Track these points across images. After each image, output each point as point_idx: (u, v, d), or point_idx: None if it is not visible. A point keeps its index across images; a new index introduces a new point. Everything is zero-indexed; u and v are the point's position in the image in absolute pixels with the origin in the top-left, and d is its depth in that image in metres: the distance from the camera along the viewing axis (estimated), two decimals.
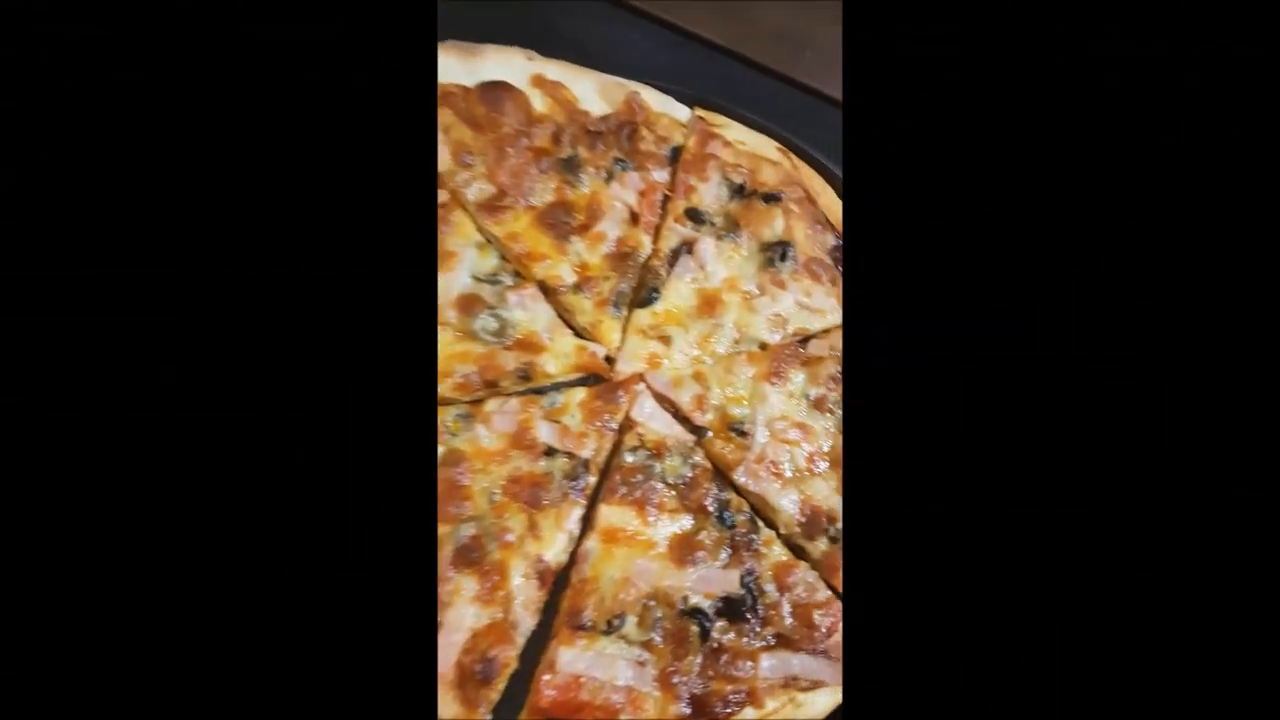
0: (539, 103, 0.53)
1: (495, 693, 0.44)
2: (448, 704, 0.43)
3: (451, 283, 0.49)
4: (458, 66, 0.51)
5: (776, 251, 0.53)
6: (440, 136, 0.50)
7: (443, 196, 0.50)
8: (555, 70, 0.54)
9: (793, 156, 0.58)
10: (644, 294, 0.52)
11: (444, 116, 0.50)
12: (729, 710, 0.44)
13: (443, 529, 0.45)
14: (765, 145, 0.58)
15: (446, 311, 0.48)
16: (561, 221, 0.52)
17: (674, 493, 0.48)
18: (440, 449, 0.46)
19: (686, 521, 0.48)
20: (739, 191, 0.54)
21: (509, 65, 0.53)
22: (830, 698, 0.44)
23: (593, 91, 0.55)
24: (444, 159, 0.50)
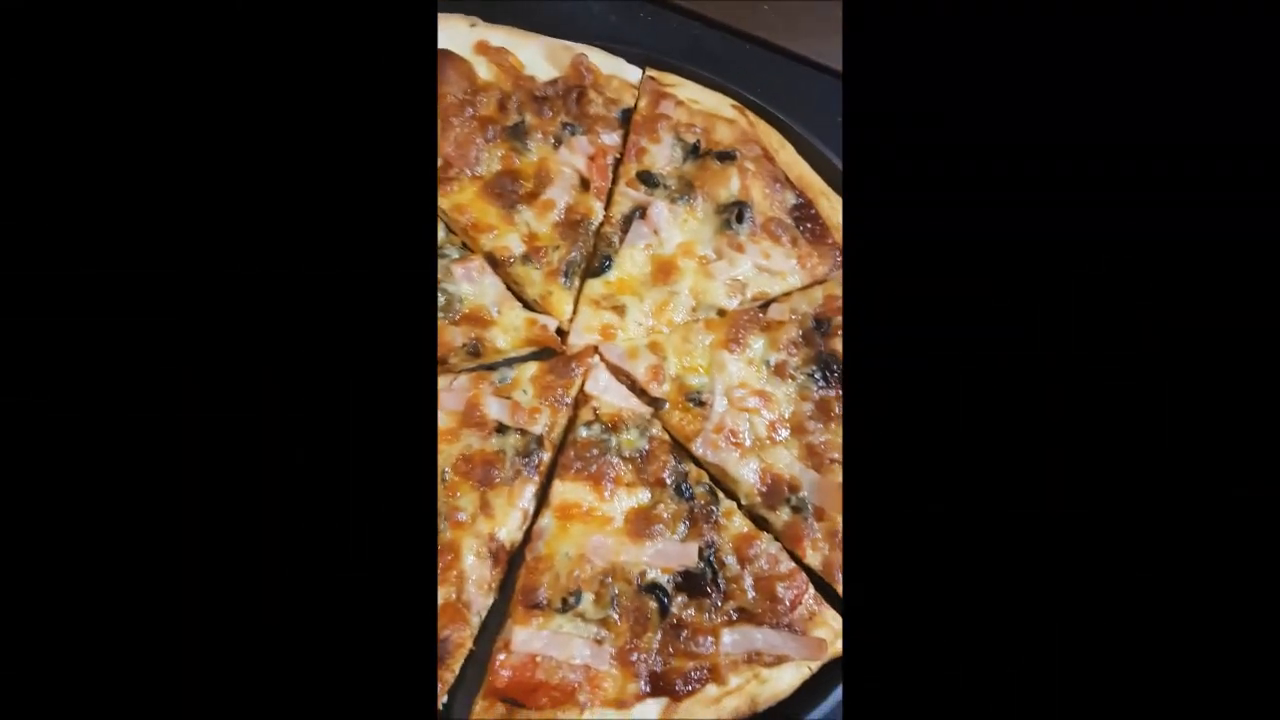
0: (484, 70, 0.51)
1: (450, 674, 0.44)
2: None
3: None
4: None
5: (733, 212, 0.51)
6: None
7: None
8: (499, 36, 0.52)
9: (749, 114, 0.55)
10: (596, 263, 0.50)
11: None
12: (690, 688, 0.42)
13: None
14: (721, 103, 0.56)
15: None
16: (509, 190, 0.50)
17: (630, 466, 0.47)
18: None
19: (644, 495, 0.47)
20: (693, 152, 0.52)
21: (452, 32, 0.51)
22: (795, 672, 0.43)
23: (539, 56, 0.53)
24: None
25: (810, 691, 0.42)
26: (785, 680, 0.42)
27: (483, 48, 0.51)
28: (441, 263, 0.48)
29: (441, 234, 0.49)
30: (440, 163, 0.50)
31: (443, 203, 0.49)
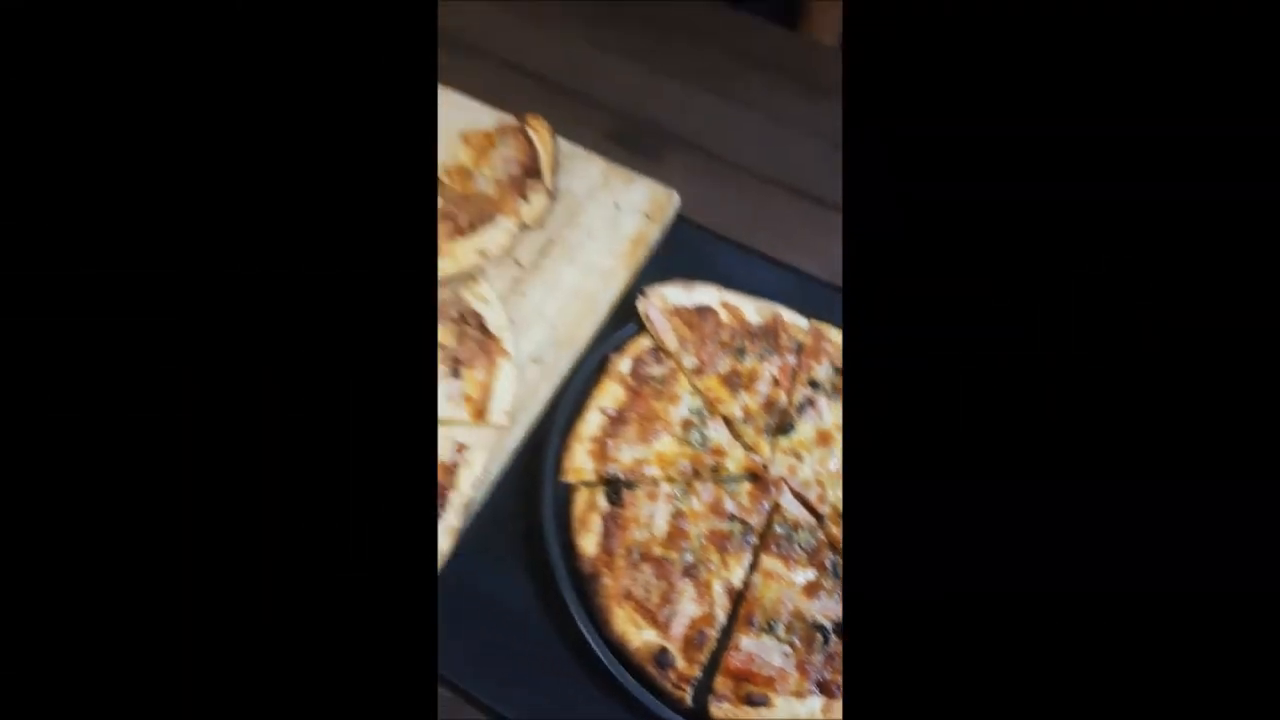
0: (724, 315, 0.89)
1: (700, 662, 0.67)
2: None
3: (675, 413, 0.81)
4: (683, 294, 0.88)
5: None
6: (674, 336, 0.85)
7: (669, 366, 0.84)
8: (732, 298, 0.90)
9: None
10: (784, 428, 0.80)
11: (676, 326, 0.86)
12: (838, 694, 0.65)
13: (671, 553, 0.74)
14: None
15: (674, 428, 0.80)
16: (734, 383, 0.85)
17: (805, 553, 0.72)
18: (674, 506, 0.76)
19: (812, 573, 0.71)
20: (838, 369, 0.88)
21: (709, 294, 0.90)
22: None
23: (753, 309, 0.90)
24: (672, 344, 0.85)
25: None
26: None
27: (724, 304, 0.89)
28: (700, 418, 0.80)
29: (700, 403, 0.83)
30: (697, 363, 0.85)
31: (700, 385, 0.82)
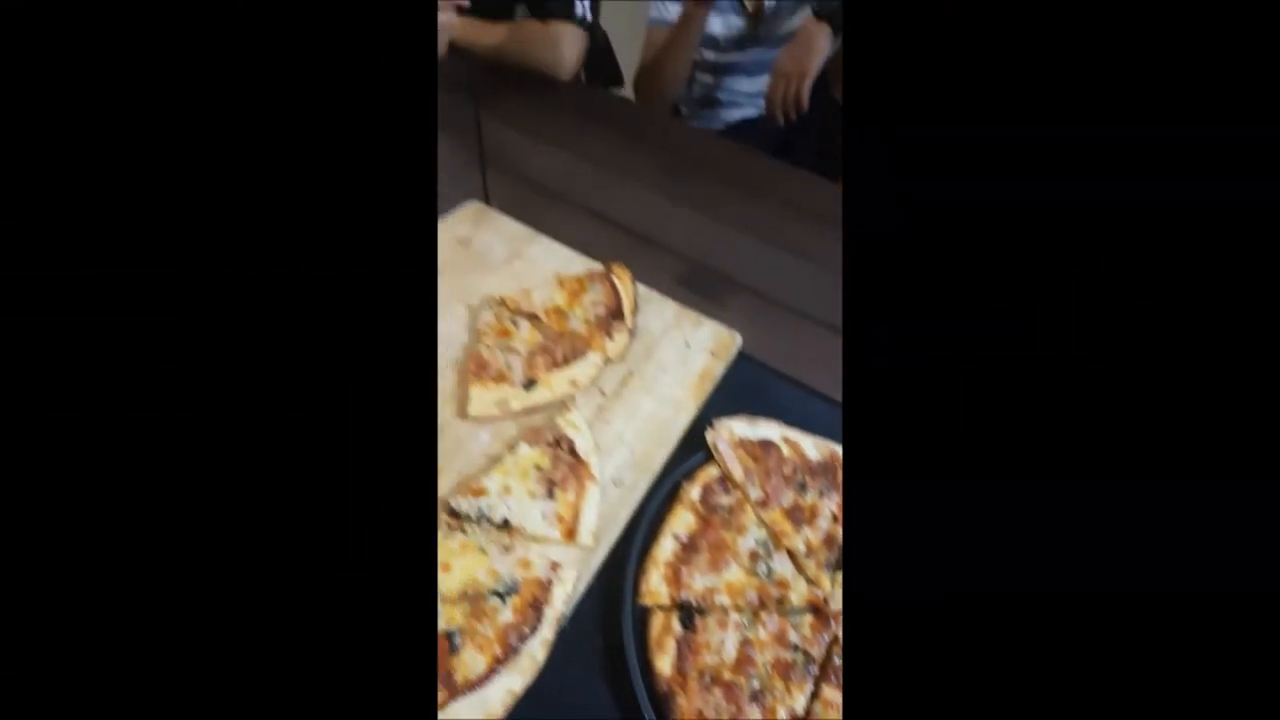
0: (785, 450, 0.98)
1: None
2: None
3: (743, 544, 0.89)
4: (748, 428, 0.98)
5: None
6: (740, 467, 0.94)
7: (736, 496, 0.93)
8: (793, 434, 1.00)
9: None
10: (843, 564, 0.90)
11: (741, 458, 0.95)
12: None
13: (739, 679, 0.79)
14: None
15: (742, 558, 0.88)
16: (798, 517, 0.93)
17: None
18: (742, 634, 0.82)
19: None
20: None
21: (772, 429, 0.99)
22: None
23: (812, 446, 0.99)
24: (739, 474, 0.94)
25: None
26: None
27: (786, 439, 0.99)
28: (766, 549, 0.89)
29: (765, 534, 0.91)
30: (762, 495, 0.94)
31: (765, 518, 0.91)
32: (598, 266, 1.14)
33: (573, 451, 0.89)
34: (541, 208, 1.28)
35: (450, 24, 1.26)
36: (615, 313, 1.06)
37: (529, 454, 0.87)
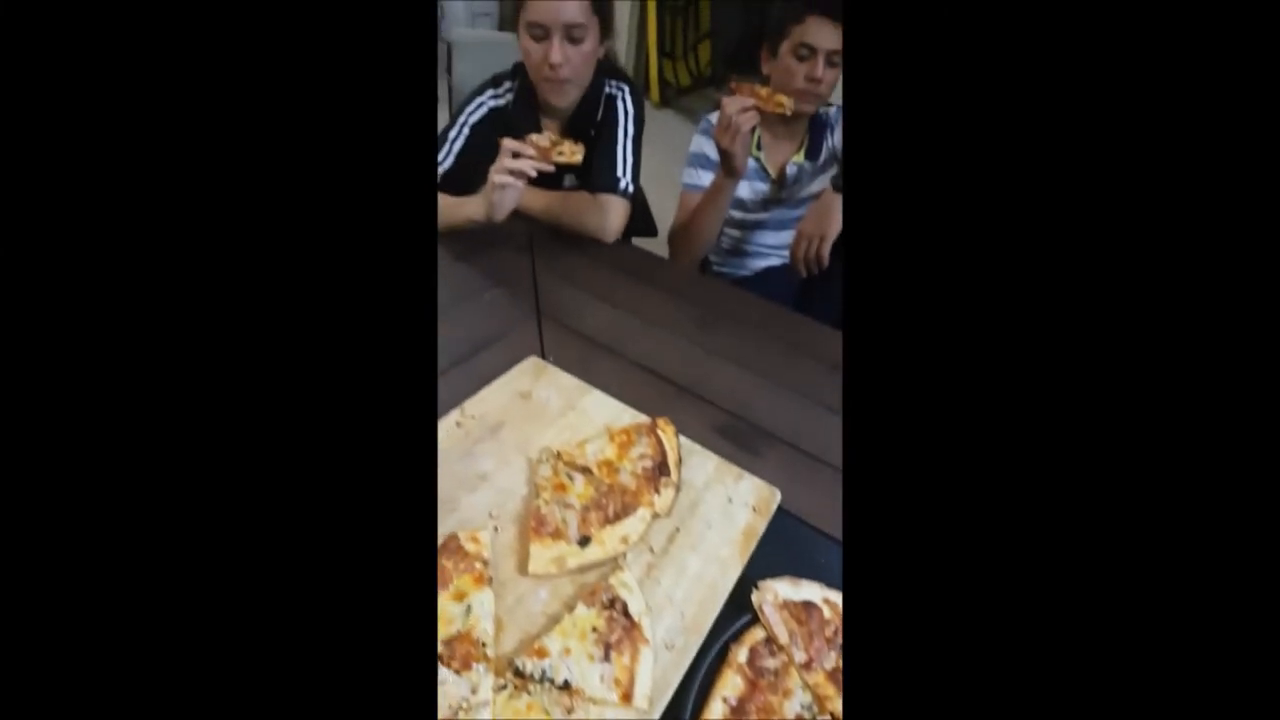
0: (827, 612, 1.03)
1: None
2: None
3: (789, 708, 0.92)
4: (791, 589, 1.03)
5: None
6: (785, 629, 0.99)
7: (782, 660, 0.97)
8: (834, 595, 1.04)
9: None
10: None
11: (786, 620, 1.00)
12: None
13: None
14: None
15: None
16: (840, 679, 0.97)
17: None
18: None
19: None
20: None
21: (814, 591, 1.04)
22: None
23: None
24: (784, 637, 0.99)
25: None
26: None
27: (826, 600, 1.04)
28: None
29: (811, 699, 0.94)
30: (807, 658, 0.98)
31: (808, 679, 0.95)
32: (644, 419, 1.23)
33: (625, 613, 0.94)
34: (591, 360, 1.40)
35: (518, 189, 1.41)
36: (661, 466, 1.14)
37: (586, 615, 0.93)
